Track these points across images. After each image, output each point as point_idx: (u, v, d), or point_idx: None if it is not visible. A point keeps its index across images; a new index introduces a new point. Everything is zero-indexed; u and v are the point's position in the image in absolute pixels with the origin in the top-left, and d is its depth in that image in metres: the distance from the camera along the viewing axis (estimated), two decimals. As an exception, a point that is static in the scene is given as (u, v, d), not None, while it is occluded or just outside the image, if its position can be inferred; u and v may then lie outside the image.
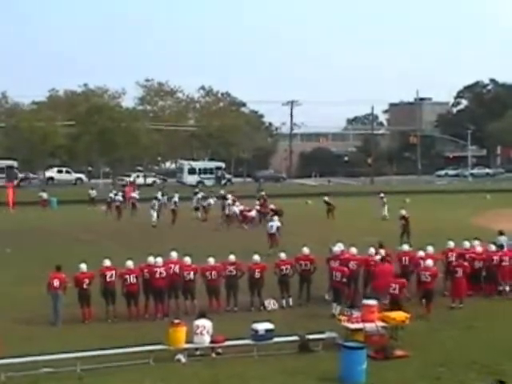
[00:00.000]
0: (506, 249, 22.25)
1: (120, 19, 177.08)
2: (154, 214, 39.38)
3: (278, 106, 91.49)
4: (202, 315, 16.16)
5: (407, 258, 21.14)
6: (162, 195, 45.97)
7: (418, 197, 57.71)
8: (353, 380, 13.71)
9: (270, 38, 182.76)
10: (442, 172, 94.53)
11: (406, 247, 22.08)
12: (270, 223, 30.97)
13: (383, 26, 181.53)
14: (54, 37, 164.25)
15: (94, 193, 54.10)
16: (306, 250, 20.80)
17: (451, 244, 21.87)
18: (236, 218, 39.81)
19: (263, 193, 46.75)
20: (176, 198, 42.63)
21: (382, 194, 44.11)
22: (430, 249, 21.19)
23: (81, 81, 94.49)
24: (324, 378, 14.16)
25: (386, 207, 42.23)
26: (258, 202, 42.61)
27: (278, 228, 30.11)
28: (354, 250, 21.01)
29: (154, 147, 79.13)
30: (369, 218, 41.37)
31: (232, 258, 19.98)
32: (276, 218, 31.86)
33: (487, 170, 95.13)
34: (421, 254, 20.96)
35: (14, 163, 74.08)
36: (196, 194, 45.93)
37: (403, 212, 31.94)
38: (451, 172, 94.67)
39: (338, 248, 21.05)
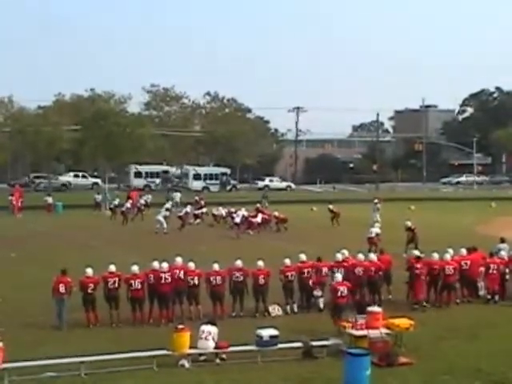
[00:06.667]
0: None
1: (127, 23, 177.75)
2: (165, 225, 39.27)
3: (283, 112, 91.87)
4: (209, 322, 16.20)
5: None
6: (173, 205, 46.28)
7: (423, 204, 57.70)
8: (357, 387, 13.68)
9: (274, 42, 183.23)
10: (447, 179, 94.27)
11: (417, 253, 22.07)
12: (371, 229, 32.00)
13: (387, 28, 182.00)
14: (61, 41, 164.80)
15: (99, 197, 54.17)
16: (303, 257, 20.81)
17: (450, 252, 21.87)
18: (242, 224, 39.85)
19: (262, 203, 47.48)
20: (188, 209, 43.11)
21: (377, 200, 44.17)
22: (436, 256, 21.20)
23: (87, 86, 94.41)
24: (328, 385, 14.14)
25: (378, 213, 42.11)
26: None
27: (377, 234, 31.32)
28: (361, 257, 21.16)
29: (159, 153, 79.22)
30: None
31: (239, 263, 19.96)
32: (378, 224, 34.20)
33: (477, 178, 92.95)
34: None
35: (228, 170, 79.10)
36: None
37: (409, 223, 31.80)
38: (456, 179, 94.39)
39: (342, 255, 21.13)
